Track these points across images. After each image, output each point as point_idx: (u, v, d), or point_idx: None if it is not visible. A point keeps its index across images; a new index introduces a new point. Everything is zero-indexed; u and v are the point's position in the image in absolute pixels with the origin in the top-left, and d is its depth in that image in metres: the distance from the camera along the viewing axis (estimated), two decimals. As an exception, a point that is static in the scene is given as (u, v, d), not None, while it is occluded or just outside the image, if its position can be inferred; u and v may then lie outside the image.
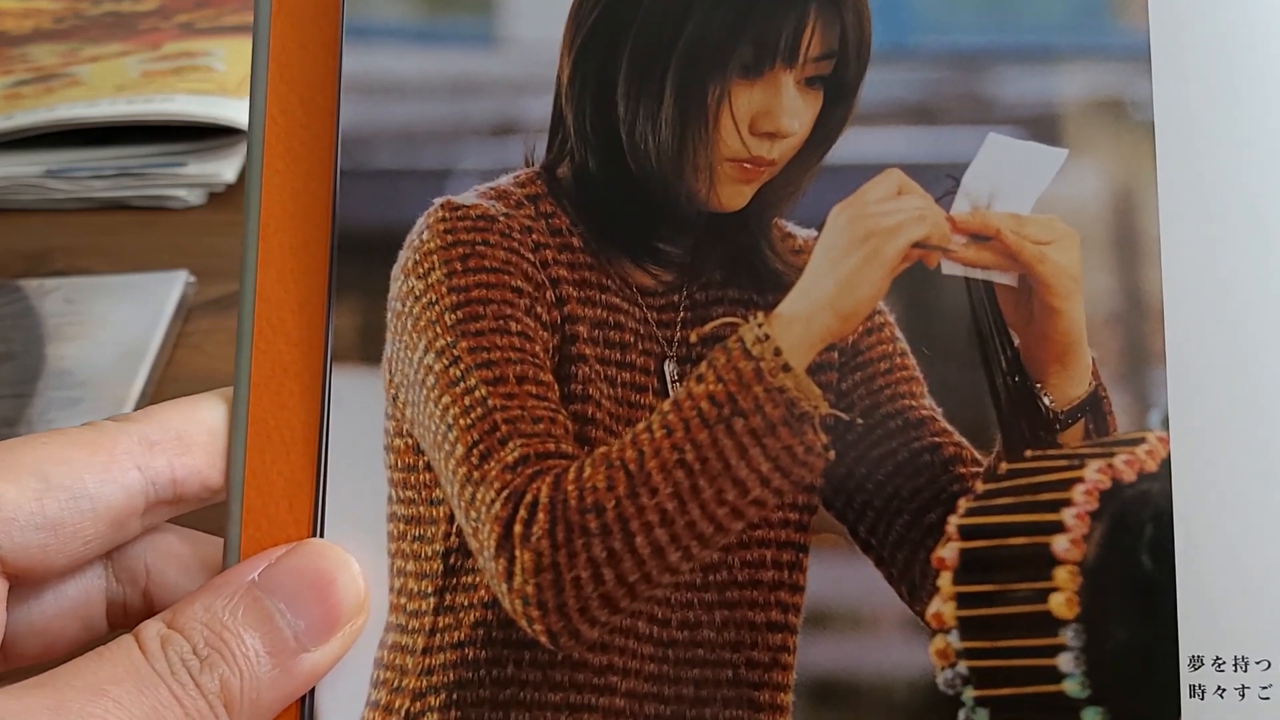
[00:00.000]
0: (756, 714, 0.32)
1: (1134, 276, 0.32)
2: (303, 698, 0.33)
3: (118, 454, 0.32)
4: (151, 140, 0.72)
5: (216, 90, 0.71)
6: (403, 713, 0.32)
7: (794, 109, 0.33)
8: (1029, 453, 0.32)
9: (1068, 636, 0.30)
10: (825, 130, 0.33)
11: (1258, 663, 0.30)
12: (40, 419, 0.58)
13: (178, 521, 0.36)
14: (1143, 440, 0.31)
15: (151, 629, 0.30)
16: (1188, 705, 0.30)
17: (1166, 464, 0.31)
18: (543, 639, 0.32)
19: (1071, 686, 0.30)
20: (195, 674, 0.29)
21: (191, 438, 0.33)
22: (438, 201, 0.34)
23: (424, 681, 0.33)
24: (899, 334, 0.32)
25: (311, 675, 0.30)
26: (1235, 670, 0.30)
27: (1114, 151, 0.32)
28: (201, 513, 0.35)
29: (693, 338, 0.33)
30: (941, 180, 0.32)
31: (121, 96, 0.70)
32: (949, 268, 0.32)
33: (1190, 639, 0.30)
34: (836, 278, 0.32)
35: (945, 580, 0.31)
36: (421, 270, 0.34)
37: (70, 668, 0.29)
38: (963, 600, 0.31)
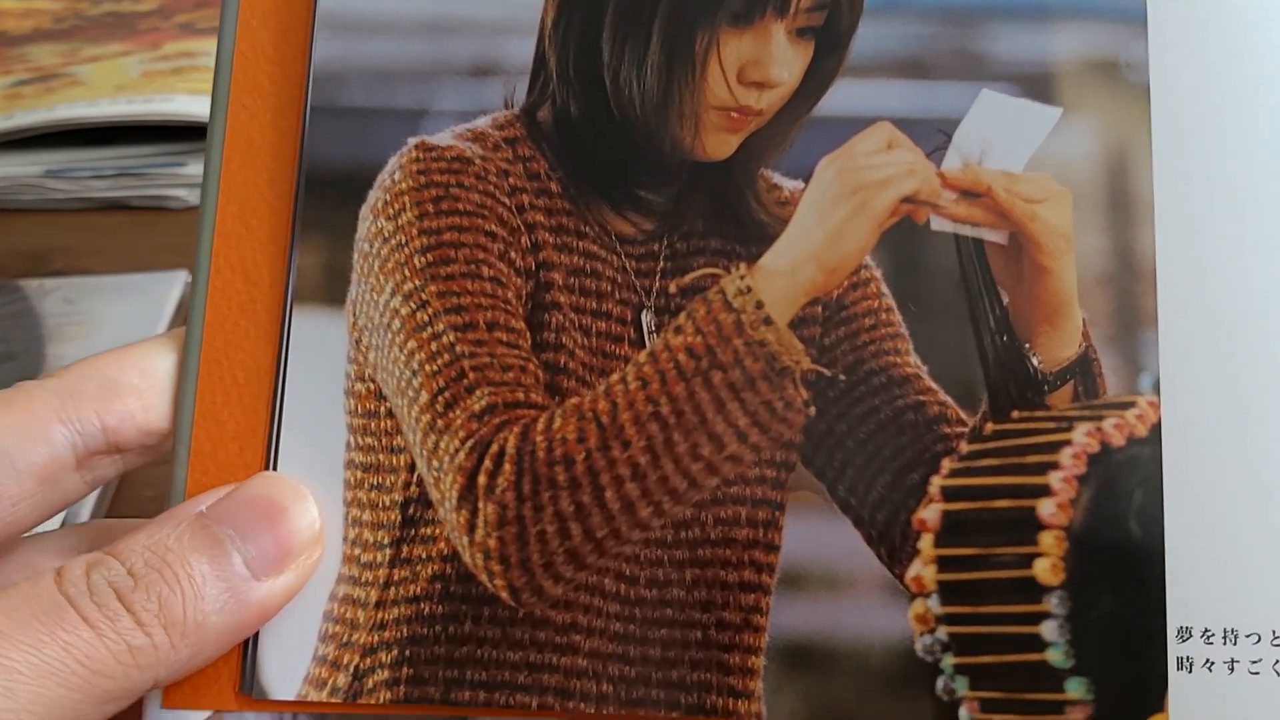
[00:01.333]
0: (726, 677, 0.32)
1: (1126, 237, 0.33)
2: (245, 649, 0.33)
3: (35, 409, 0.33)
4: (151, 140, 0.75)
5: None
6: (351, 668, 0.32)
7: (784, 59, 0.34)
8: (1016, 414, 0.33)
9: (1052, 604, 0.31)
10: (815, 81, 0.34)
11: (1248, 635, 0.31)
12: None
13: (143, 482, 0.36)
14: (1133, 404, 0.32)
15: (80, 559, 0.30)
16: (1175, 678, 0.31)
17: (1157, 429, 0.32)
18: (504, 595, 0.32)
19: (1055, 655, 0.31)
20: (125, 593, 0.29)
21: (122, 383, 0.34)
22: (412, 141, 0.35)
23: (375, 637, 0.33)
24: (885, 289, 0.33)
25: (262, 607, 0.30)
26: (1224, 643, 0.31)
27: (1108, 112, 0.34)
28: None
29: (672, 288, 0.34)
30: (933, 135, 0.34)
31: (121, 96, 0.74)
32: (938, 224, 0.33)
33: (1178, 609, 0.31)
34: (823, 230, 0.33)
35: (926, 542, 0.32)
36: (392, 211, 0.35)
37: None
38: (944, 564, 0.32)
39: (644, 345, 0.35)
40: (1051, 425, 0.33)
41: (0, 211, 0.75)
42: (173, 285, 0.68)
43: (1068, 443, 0.33)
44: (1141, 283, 0.34)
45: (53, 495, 0.34)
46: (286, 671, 0.33)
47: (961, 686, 0.32)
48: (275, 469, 0.34)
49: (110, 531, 0.35)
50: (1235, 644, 0.32)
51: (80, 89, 0.75)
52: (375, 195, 0.36)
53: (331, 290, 0.36)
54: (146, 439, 0.35)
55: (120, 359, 0.35)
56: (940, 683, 0.32)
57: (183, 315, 0.67)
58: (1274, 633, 0.32)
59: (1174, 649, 0.32)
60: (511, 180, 0.36)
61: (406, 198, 0.35)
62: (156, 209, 0.76)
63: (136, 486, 0.56)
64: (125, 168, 0.74)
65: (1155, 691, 0.32)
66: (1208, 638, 0.32)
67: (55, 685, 0.29)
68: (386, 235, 0.35)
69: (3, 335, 0.65)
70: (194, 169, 0.75)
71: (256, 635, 0.33)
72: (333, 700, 0.33)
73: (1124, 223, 0.34)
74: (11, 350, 0.65)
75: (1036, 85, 0.35)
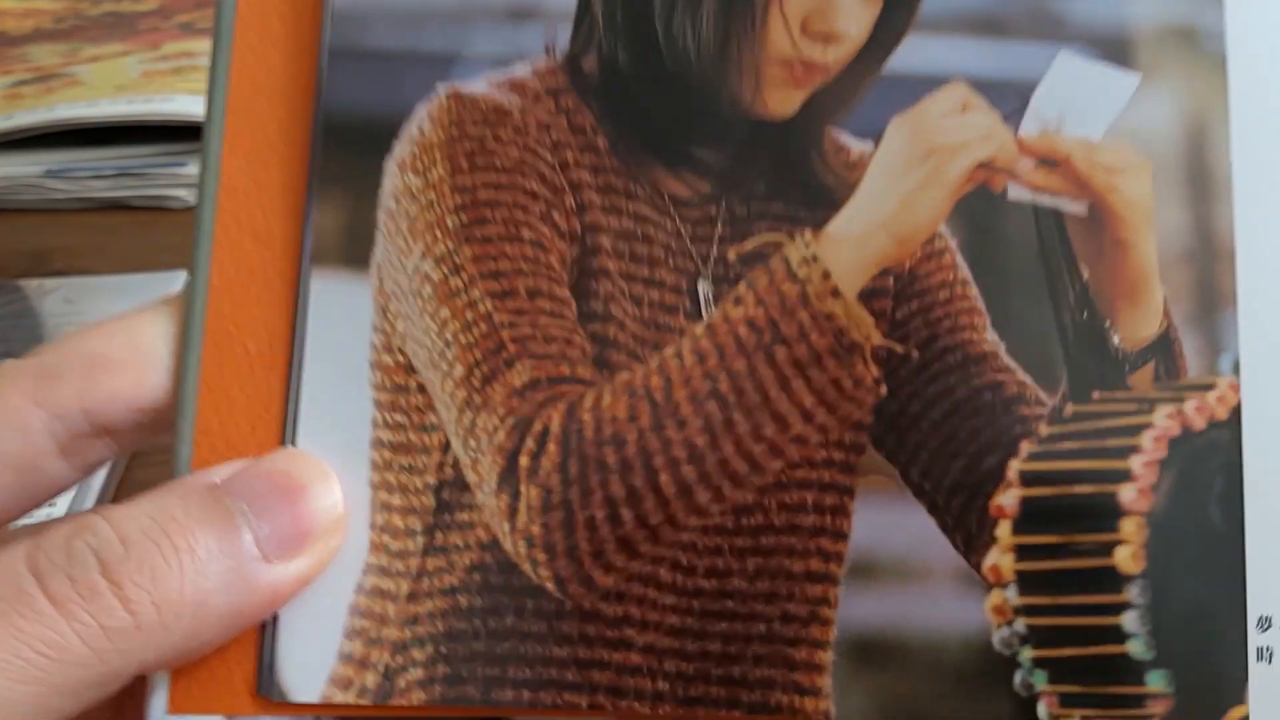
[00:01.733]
0: (791, 673, 0.30)
1: (1205, 213, 0.32)
2: (260, 648, 0.30)
3: (7, 394, 0.30)
4: (151, 140, 0.75)
5: None
6: (381, 667, 0.30)
7: (851, 10, 0.32)
8: (1096, 394, 0.31)
9: (1133, 593, 0.30)
10: (885, 36, 0.33)
11: (1329, 626, 0.30)
12: None
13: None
14: (1213, 386, 0.31)
15: (65, 522, 0.27)
16: (1254, 669, 0.30)
17: (1236, 412, 0.31)
18: (549, 586, 0.30)
19: (1136, 647, 0.30)
20: (111, 562, 0.26)
21: (109, 357, 0.31)
22: (443, 89, 0.32)
23: (408, 632, 0.30)
24: (960, 261, 0.32)
25: (272, 593, 0.28)
26: (1306, 634, 0.30)
27: (1186, 81, 0.33)
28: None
29: (731, 255, 0.32)
30: (1008, 98, 0.32)
31: (121, 96, 0.75)
32: (1015, 192, 0.32)
33: (1258, 598, 0.30)
34: (894, 196, 0.31)
35: (1004, 530, 0.31)
36: (421, 166, 0.32)
37: None
38: (1022, 552, 0.31)
39: (700, 317, 0.33)
40: (1133, 407, 0.32)
41: (0, 211, 0.75)
42: (173, 285, 0.68)
43: (1149, 425, 0.32)
44: (1221, 261, 0.33)
45: (35, 484, 0.31)
46: (308, 671, 0.31)
47: (1040, 681, 0.31)
48: (292, 447, 0.32)
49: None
50: (1316, 635, 0.31)
51: (80, 89, 0.76)
52: (402, 148, 0.33)
53: (353, 252, 0.33)
54: (140, 417, 0.32)
55: (107, 331, 0.32)
56: (1018, 677, 0.31)
57: None
58: (1357, 624, 0.31)
59: (1254, 639, 0.31)
60: (554, 135, 0.33)
61: (437, 151, 0.33)
62: (156, 209, 0.76)
63: (146, 467, 0.54)
64: (125, 168, 0.75)
65: (1236, 683, 0.31)
66: (1289, 629, 0.31)
67: (8, 681, 0.26)
68: (415, 192, 0.33)
69: (3, 335, 0.66)
70: (194, 169, 0.76)
71: (275, 631, 0.31)
72: (361, 702, 0.31)
73: (1203, 197, 0.33)
74: (11, 350, 0.65)
75: (1114, 49, 0.33)
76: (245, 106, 0.33)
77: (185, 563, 0.27)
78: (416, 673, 0.31)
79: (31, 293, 0.69)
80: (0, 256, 0.73)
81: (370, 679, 0.31)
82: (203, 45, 0.83)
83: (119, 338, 0.32)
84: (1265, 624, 0.31)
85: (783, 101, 0.33)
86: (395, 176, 0.33)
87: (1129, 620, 0.31)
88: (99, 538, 0.27)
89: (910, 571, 0.32)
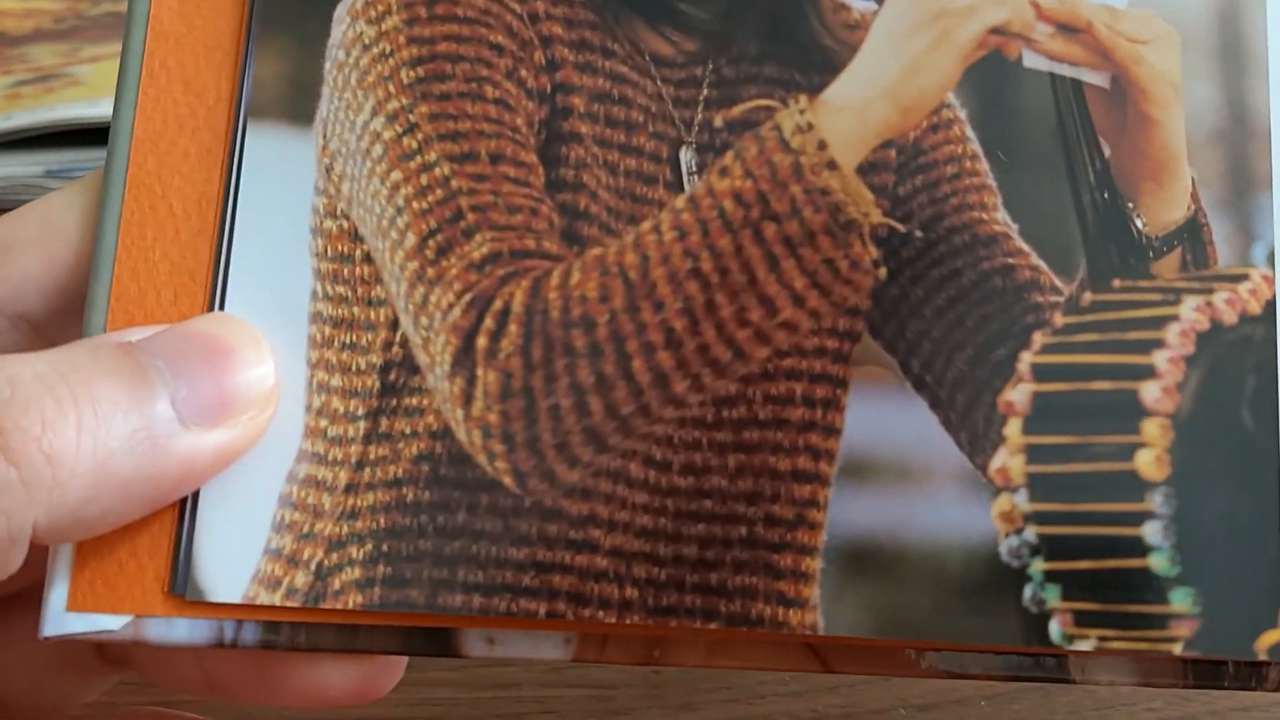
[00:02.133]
0: (775, 581, 0.27)
1: (1239, 90, 0.29)
2: (177, 541, 0.27)
3: None
4: None
5: None
6: (313, 565, 0.27)
7: None
8: (1117, 282, 0.28)
9: (1156, 502, 0.27)
10: (892, -114, 0.29)
11: (1370, 542, 0.27)
12: None
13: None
14: (1246, 277, 0.28)
15: None
16: (1289, 590, 0.27)
17: (1271, 306, 0.28)
18: (506, 480, 0.27)
19: (1159, 562, 0.27)
20: None
21: (17, 240, 0.28)
22: (401, -70, 0.29)
23: (344, 527, 0.27)
24: (970, 134, 0.29)
25: (185, 463, 0.24)
26: (1344, 550, 0.27)
27: (1220, -52, 0.29)
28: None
29: (718, 121, 0.29)
30: (1025, -42, 0.29)
31: None
32: (1031, 60, 0.29)
33: (1294, 512, 0.27)
34: (898, 61, 0.28)
35: (1014, 428, 0.28)
36: (374, 14, 0.29)
37: None
38: (1034, 453, 0.27)
39: (682, 188, 0.29)
40: (1157, 297, 0.29)
41: (0, 212, 0.72)
42: None
43: (1175, 318, 0.29)
44: (1255, 141, 0.30)
45: None
46: (230, 567, 0.27)
47: (1052, 596, 0.28)
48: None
49: None
50: (1355, 553, 0.28)
51: (80, 89, 0.72)
52: (354, -7, 0.29)
53: (296, 105, 0.29)
54: (56, 300, 0.29)
55: (16, 215, 0.29)
56: (1028, 591, 0.28)
57: None
58: (1400, 540, 0.28)
59: (1288, 558, 0.28)
60: (523, -16, 0.30)
61: (393, -2, 0.29)
62: None
63: None
64: None
65: (1268, 604, 0.28)
66: (1326, 545, 0.28)
67: None
68: (367, 42, 0.29)
69: None
70: None
71: (194, 522, 0.27)
72: (289, 603, 0.27)
73: (1237, 73, 0.30)
74: None
75: (1141, -89, 0.30)
76: None
77: (85, 414, 0.24)
78: (353, 572, 0.27)
79: None
80: None
81: (300, 578, 0.27)
82: None
83: (30, 218, 0.29)
84: (1299, 539, 0.28)
85: (778, -46, 0.30)
86: (345, 23, 0.30)
87: (1151, 531, 0.28)
88: None
89: (909, 472, 0.28)
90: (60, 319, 0.29)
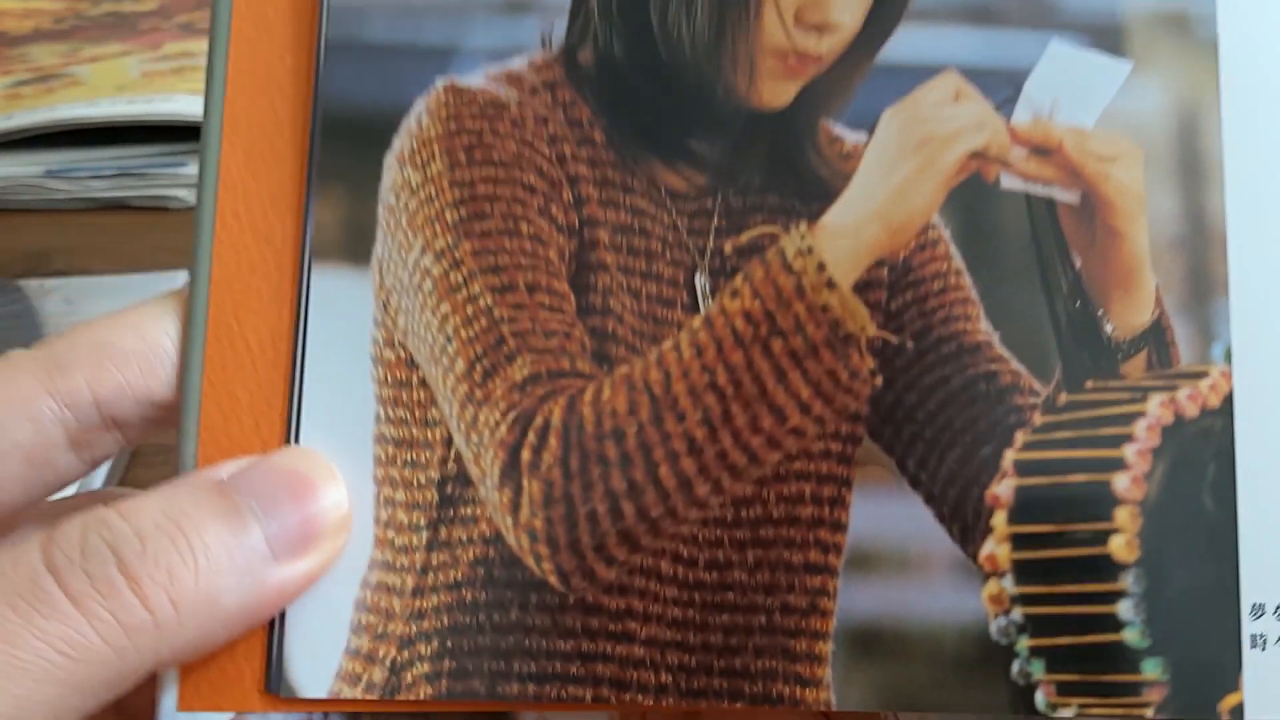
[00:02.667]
0: (792, 664, 0.30)
1: (1197, 200, 0.32)
2: (269, 644, 0.30)
3: (20, 382, 0.30)
4: (151, 140, 0.75)
5: None
6: (388, 662, 0.30)
7: (844, 0, 0.32)
8: (1089, 383, 0.31)
9: (1128, 581, 0.30)
10: (878, 26, 0.32)
11: (1320, 610, 0.30)
12: None
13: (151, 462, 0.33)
14: (1206, 374, 0.31)
15: (77, 518, 0.28)
16: (1249, 655, 0.30)
17: (1230, 400, 0.31)
18: (552, 579, 0.30)
19: (1132, 635, 0.30)
20: (129, 558, 0.26)
21: (117, 348, 0.31)
22: (440, 82, 0.32)
23: (413, 627, 0.30)
24: (954, 251, 0.32)
25: (280, 592, 0.28)
26: (1298, 618, 0.30)
27: (1177, 68, 0.32)
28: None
29: (727, 248, 0.32)
30: (1001, 87, 0.32)
31: (121, 96, 0.74)
32: (1008, 181, 0.32)
33: (1252, 585, 0.30)
34: (888, 187, 0.31)
35: (1000, 519, 0.31)
36: (420, 160, 0.32)
37: None
38: (1018, 541, 0.31)
39: (698, 310, 0.33)
40: (1126, 396, 0.32)
41: (0, 211, 0.75)
42: (173, 286, 0.68)
43: (1142, 414, 0.32)
44: (1213, 247, 0.33)
45: (45, 476, 0.31)
46: (316, 666, 0.31)
47: (1038, 669, 0.31)
48: (296, 444, 0.31)
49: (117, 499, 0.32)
50: (1308, 619, 0.31)
51: (80, 89, 0.76)
52: (401, 142, 0.33)
53: (354, 247, 0.33)
54: (147, 411, 0.32)
55: (115, 322, 0.32)
56: (1016, 666, 0.31)
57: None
58: (1347, 607, 0.31)
59: (1247, 626, 0.31)
60: (551, 128, 0.33)
61: (436, 145, 0.33)
62: (156, 209, 0.76)
63: (146, 467, 0.53)
64: (125, 168, 0.75)
65: (1230, 670, 0.31)
66: (1281, 613, 0.31)
67: (32, 683, 0.26)
68: (414, 187, 0.33)
69: (3, 335, 0.65)
70: (194, 169, 0.75)
71: (282, 628, 0.31)
72: (369, 696, 0.31)
73: (1195, 185, 0.33)
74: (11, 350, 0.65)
75: (1106, 37, 0.33)
76: (243, 101, 0.33)
77: (200, 560, 0.27)
78: (423, 667, 0.31)
79: (31, 293, 0.69)
80: (0, 256, 0.73)
81: (377, 674, 0.31)
82: (203, 45, 0.82)
83: (127, 330, 0.32)
84: (1259, 611, 0.31)
85: (777, 92, 0.33)
86: (394, 171, 0.33)
87: (1124, 608, 0.31)
88: (114, 532, 0.27)
89: (908, 561, 0.32)
90: (146, 427, 0.32)
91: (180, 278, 0.68)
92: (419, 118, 0.33)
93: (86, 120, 0.72)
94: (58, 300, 0.68)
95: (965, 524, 0.32)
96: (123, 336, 0.31)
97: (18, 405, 0.30)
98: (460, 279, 0.32)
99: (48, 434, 0.30)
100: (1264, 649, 0.31)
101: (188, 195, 0.76)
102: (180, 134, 0.75)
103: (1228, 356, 0.32)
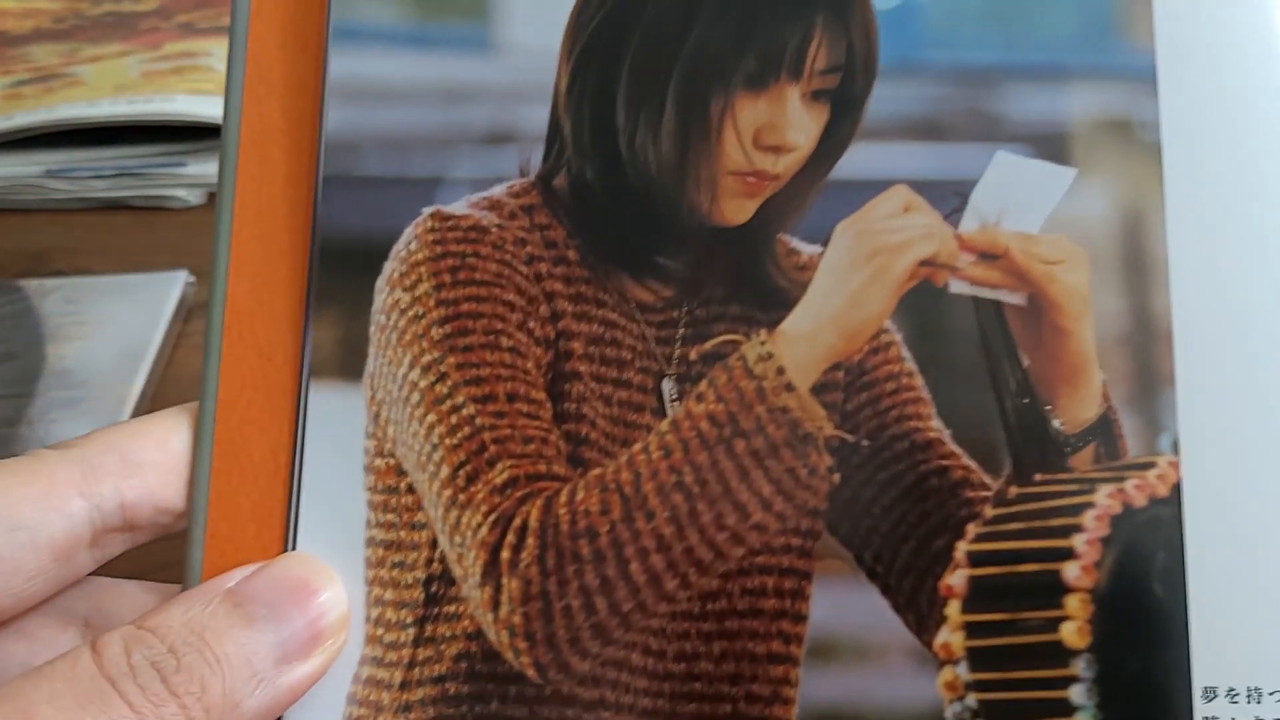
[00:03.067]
0: (757, 750, 0.32)
1: (1143, 298, 0.33)
2: (271, 733, 0.32)
3: (57, 481, 0.32)
4: (151, 140, 0.75)
5: (217, 90, 0.78)
6: (379, 751, 0.32)
7: (799, 123, 0.34)
8: (1039, 477, 0.33)
9: (1080, 667, 0.31)
10: (831, 145, 0.34)
11: (1271, 693, 0.31)
12: (40, 419, 0.61)
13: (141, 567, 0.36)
14: (1153, 465, 0.32)
15: (116, 633, 0.30)
16: (1203, 739, 0.31)
17: (1178, 489, 0.32)
18: (530, 672, 0.32)
19: None
20: (169, 675, 0.28)
21: (140, 457, 0.34)
22: (427, 211, 0.35)
23: (401, 718, 0.32)
24: (906, 353, 0.33)
25: (291, 692, 0.30)
26: (1249, 701, 0.31)
27: (1122, 171, 0.34)
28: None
29: (693, 355, 0.34)
30: (949, 198, 0.34)
31: (121, 96, 0.74)
32: (957, 286, 0.34)
33: (1203, 669, 0.31)
34: (842, 295, 0.33)
35: (953, 609, 0.32)
36: (408, 282, 0.34)
37: (3, 691, 0.28)
38: (971, 630, 0.32)
39: (665, 414, 0.35)
40: (1074, 487, 0.33)
41: (0, 211, 0.75)
42: (173, 285, 0.68)
43: (1090, 505, 0.33)
44: (1159, 343, 0.34)
45: (65, 571, 0.33)
46: (313, 754, 0.33)
47: (993, 753, 0.32)
48: (294, 549, 0.34)
49: (111, 591, 0.35)
50: (1260, 703, 0.32)
51: (80, 89, 0.75)
52: (391, 266, 0.35)
53: (348, 364, 0.35)
54: (161, 517, 0.34)
55: (138, 432, 0.34)
56: (972, 750, 0.32)
57: (183, 315, 0.67)
58: (1300, 692, 0.32)
59: (1200, 709, 0.32)
60: (529, 249, 0.35)
61: (423, 268, 0.35)
62: (156, 209, 0.75)
63: None
64: (125, 168, 0.74)
65: (1184, 753, 0.32)
66: (1233, 697, 0.32)
67: None
68: (403, 307, 0.35)
69: (3, 335, 0.65)
70: (194, 169, 0.75)
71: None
72: (361, 782, 0.33)
73: (1140, 283, 0.34)
74: (11, 350, 0.65)
75: (1051, 146, 0.35)
76: (249, 233, 0.36)
77: (225, 671, 0.30)
78: (411, 754, 0.33)
79: (31, 293, 0.68)
80: (0, 256, 0.71)
81: (369, 761, 0.33)
82: (203, 45, 0.80)
83: (149, 439, 0.34)
84: (1211, 694, 0.32)
85: (737, 210, 0.35)
86: (385, 293, 0.35)
87: (1076, 693, 0.32)
88: (153, 650, 0.30)
89: (866, 651, 0.33)
90: (156, 531, 0.35)
91: (179, 277, 0.68)
92: (408, 243, 0.36)
93: (86, 120, 0.71)
94: (58, 300, 0.67)
95: (920, 613, 0.33)
96: (146, 446, 0.34)
97: (55, 503, 0.33)
98: (445, 390, 0.35)
99: (77, 531, 0.33)
100: (1218, 732, 0.32)
101: (187, 195, 0.75)
102: (180, 134, 0.74)
103: (1175, 447, 0.33)
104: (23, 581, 0.32)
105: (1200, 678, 0.32)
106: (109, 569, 0.35)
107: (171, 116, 0.73)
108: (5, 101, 0.72)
